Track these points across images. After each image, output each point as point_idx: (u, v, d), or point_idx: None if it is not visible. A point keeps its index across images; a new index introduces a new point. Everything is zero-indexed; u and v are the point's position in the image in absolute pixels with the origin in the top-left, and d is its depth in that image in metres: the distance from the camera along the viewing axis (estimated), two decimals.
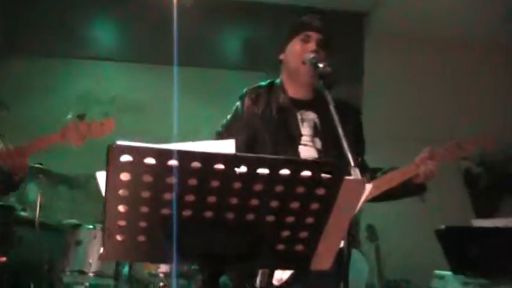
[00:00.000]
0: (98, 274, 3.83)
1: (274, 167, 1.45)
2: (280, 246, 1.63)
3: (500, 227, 3.32)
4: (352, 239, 2.83)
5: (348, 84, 6.05)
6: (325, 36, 2.63)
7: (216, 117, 6.38)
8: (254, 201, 1.50)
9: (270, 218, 1.55)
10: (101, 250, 1.55)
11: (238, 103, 2.65)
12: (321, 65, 2.32)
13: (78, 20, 6.59)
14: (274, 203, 1.52)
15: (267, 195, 1.50)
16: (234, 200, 1.49)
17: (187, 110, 6.38)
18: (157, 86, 6.46)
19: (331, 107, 2.09)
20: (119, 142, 1.35)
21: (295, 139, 2.55)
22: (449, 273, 3.71)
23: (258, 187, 1.48)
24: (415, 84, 6.48)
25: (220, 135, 2.61)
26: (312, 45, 2.57)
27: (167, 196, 1.46)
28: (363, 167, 2.63)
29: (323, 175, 1.48)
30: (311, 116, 2.62)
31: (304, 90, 2.61)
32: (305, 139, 2.58)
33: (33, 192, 4.74)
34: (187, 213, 1.50)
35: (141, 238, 1.55)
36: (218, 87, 6.50)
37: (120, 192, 1.44)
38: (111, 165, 1.39)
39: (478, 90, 6.29)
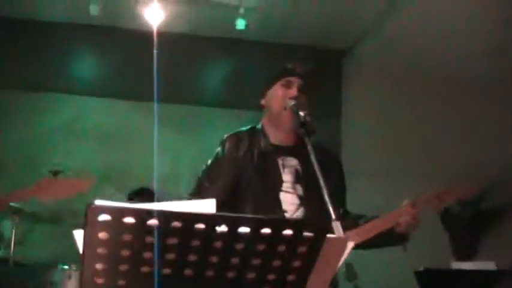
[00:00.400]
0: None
1: (255, 226, 1.44)
2: None
3: (479, 269, 3.32)
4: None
5: (326, 120, 6.11)
6: (307, 80, 2.63)
7: (194, 151, 6.41)
8: (235, 260, 1.49)
9: (251, 275, 1.53)
10: None
11: (218, 148, 2.64)
12: (302, 113, 2.33)
13: (56, 53, 6.57)
14: (255, 261, 1.50)
15: (248, 254, 1.48)
16: (214, 259, 1.47)
17: (168, 144, 6.37)
18: (139, 121, 6.43)
19: (312, 157, 2.09)
20: (97, 202, 1.32)
21: (276, 185, 2.54)
22: None
23: (239, 246, 1.46)
24: (395, 120, 6.52)
25: (200, 181, 2.59)
26: (293, 91, 2.57)
27: (147, 255, 1.44)
28: (345, 215, 2.63)
29: (305, 233, 1.47)
30: (293, 162, 2.61)
31: (286, 136, 2.60)
32: (286, 185, 2.57)
33: (7, 229, 4.66)
34: (166, 271, 1.48)
35: None
36: (198, 124, 6.51)
37: (99, 250, 1.42)
38: (89, 225, 1.37)
39: (457, 124, 6.33)
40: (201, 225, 1.40)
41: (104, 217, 1.35)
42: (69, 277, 3.87)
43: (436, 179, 5.51)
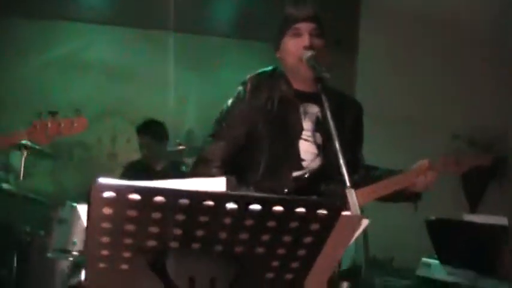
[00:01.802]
0: (82, 253, 3.75)
1: (266, 204, 1.37)
2: (269, 275, 1.57)
3: (491, 223, 3.28)
4: None
5: (341, 63, 5.96)
6: (318, 22, 2.47)
7: (204, 85, 6.31)
8: (244, 235, 1.44)
9: (260, 250, 1.49)
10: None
11: (240, 88, 2.47)
12: (318, 68, 2.21)
13: None
14: (265, 237, 1.45)
15: (258, 230, 1.42)
16: (223, 234, 1.42)
17: (175, 77, 6.26)
18: (146, 52, 6.28)
19: (329, 116, 2.01)
20: (102, 180, 1.26)
21: (295, 134, 2.44)
22: (436, 261, 3.68)
23: (248, 222, 1.40)
24: (410, 65, 6.37)
25: (219, 124, 2.46)
26: (304, 40, 2.40)
27: (152, 229, 1.39)
28: (358, 165, 2.57)
29: (318, 211, 1.41)
30: (314, 109, 2.49)
31: (307, 83, 2.45)
32: (306, 133, 2.46)
33: (17, 161, 4.64)
34: (174, 245, 1.43)
35: (125, 267, 1.48)
36: (209, 56, 6.36)
37: (103, 225, 1.37)
38: (94, 201, 1.31)
39: (472, 72, 6.19)
40: (210, 202, 1.34)
41: (108, 194, 1.29)
42: (79, 216, 3.84)
43: (453, 130, 5.46)
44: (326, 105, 2.10)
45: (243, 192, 1.32)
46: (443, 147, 5.48)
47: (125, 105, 6.18)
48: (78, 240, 3.79)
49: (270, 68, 2.56)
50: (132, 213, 1.34)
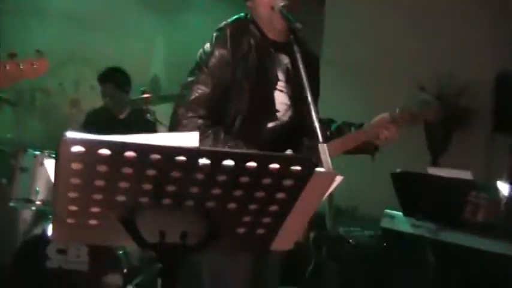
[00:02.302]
0: (46, 203, 3.70)
1: (240, 160, 1.35)
2: (241, 230, 1.55)
3: (454, 177, 3.33)
4: None
5: (309, 10, 5.88)
6: None
7: (170, 30, 6.18)
8: (216, 191, 1.41)
9: (232, 206, 1.46)
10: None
11: (218, 33, 2.35)
12: (291, 18, 2.16)
13: None
14: (237, 193, 1.43)
15: (230, 186, 1.40)
16: (194, 190, 1.39)
17: (139, 23, 6.12)
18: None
19: (301, 66, 1.98)
20: (70, 134, 1.21)
21: (272, 84, 2.39)
22: (400, 213, 3.74)
23: (221, 178, 1.38)
24: (378, 15, 6.33)
25: (199, 68, 2.35)
26: None
27: (123, 184, 1.35)
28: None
29: (292, 167, 1.39)
30: (285, 60, 2.44)
31: (278, 32, 2.39)
32: (280, 84, 2.42)
33: None
34: (144, 200, 1.40)
35: (93, 222, 1.45)
36: (173, 1, 6.21)
37: (71, 180, 1.32)
38: (62, 156, 1.26)
39: (436, 20, 6.19)
40: (182, 158, 1.31)
41: (77, 148, 1.24)
42: (41, 163, 3.77)
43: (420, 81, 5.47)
44: (298, 56, 2.06)
45: (215, 148, 1.28)
46: (409, 100, 5.52)
47: (88, 52, 6.03)
48: (40, 189, 3.73)
49: (242, 14, 2.48)
50: (102, 168, 1.30)
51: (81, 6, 6.05)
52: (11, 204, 3.87)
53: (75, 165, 1.28)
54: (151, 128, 4.38)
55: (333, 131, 2.60)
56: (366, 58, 6.10)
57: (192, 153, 1.31)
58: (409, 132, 2.68)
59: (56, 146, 1.23)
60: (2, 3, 5.92)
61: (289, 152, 2.35)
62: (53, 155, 3.84)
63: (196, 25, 5.73)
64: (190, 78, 2.35)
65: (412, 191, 3.55)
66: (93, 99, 5.75)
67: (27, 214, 3.97)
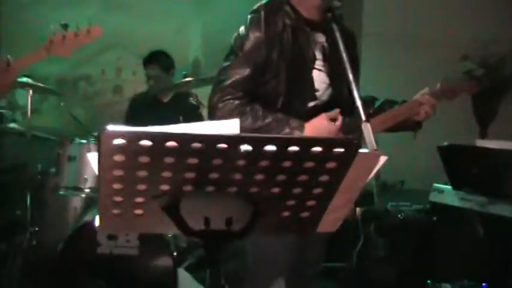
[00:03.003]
0: (94, 190, 3.75)
1: (282, 144, 1.33)
2: (285, 213, 1.55)
3: (503, 148, 3.24)
4: None
5: None
6: None
7: (205, 13, 6.16)
8: (259, 176, 1.40)
9: (275, 190, 1.46)
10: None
11: (253, 15, 2.33)
12: None
13: None
14: (280, 177, 1.42)
15: (273, 171, 1.39)
16: (237, 176, 1.39)
17: (175, 6, 6.11)
18: None
19: (341, 45, 1.96)
20: (111, 127, 1.22)
21: (310, 63, 2.36)
22: (448, 187, 3.67)
23: (263, 163, 1.37)
24: None
25: (235, 54, 2.31)
26: None
27: (165, 174, 1.36)
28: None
29: (335, 150, 1.37)
30: (321, 39, 2.41)
31: (313, 11, 2.36)
32: (318, 63, 2.39)
33: (23, 98, 4.59)
34: (187, 188, 1.41)
35: (138, 212, 1.46)
36: None
37: (114, 172, 1.33)
38: (104, 149, 1.27)
39: None
40: (223, 145, 1.30)
41: (118, 141, 1.25)
42: (88, 151, 3.81)
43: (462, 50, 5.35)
44: (338, 34, 2.02)
45: (256, 134, 1.27)
46: (452, 70, 5.40)
47: (126, 37, 6.04)
48: (89, 177, 3.79)
49: None
50: (144, 159, 1.30)
51: None
52: (61, 192, 3.94)
53: (118, 157, 1.29)
54: (195, 111, 4.39)
55: (375, 108, 2.56)
56: (407, 30, 5.98)
57: (233, 140, 1.30)
58: (456, 103, 2.63)
59: (97, 139, 1.23)
60: None
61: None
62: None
63: (229, 9, 5.70)
64: (225, 63, 2.34)
65: (460, 164, 3.47)
66: (136, 85, 5.81)
67: (76, 202, 4.02)
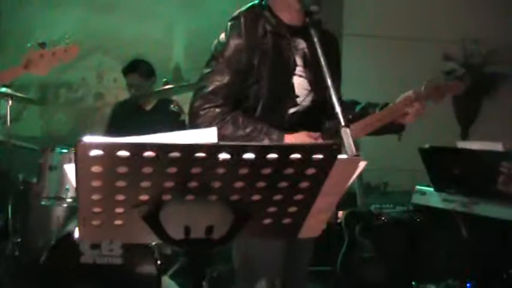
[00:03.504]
0: (76, 200, 3.72)
1: (260, 152, 1.33)
2: (267, 220, 1.54)
3: (485, 150, 3.27)
4: None
5: None
6: None
7: (189, 17, 6.15)
8: (239, 184, 1.40)
9: (256, 197, 1.45)
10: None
11: (233, 22, 2.33)
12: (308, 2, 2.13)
13: None
14: (260, 184, 1.41)
15: (252, 178, 1.39)
16: (217, 184, 1.39)
17: (159, 9, 6.09)
18: None
19: (319, 50, 1.96)
20: (87, 139, 1.21)
21: (290, 69, 2.36)
22: (430, 189, 3.70)
23: (243, 171, 1.36)
24: None
25: (215, 60, 2.34)
26: None
27: (144, 184, 1.35)
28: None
29: (314, 156, 1.37)
30: (302, 44, 2.41)
31: (293, 15, 2.37)
32: (299, 69, 2.39)
33: (3, 107, 4.55)
34: (167, 197, 1.40)
35: (118, 222, 1.45)
36: None
37: (93, 183, 1.32)
38: (81, 160, 1.26)
39: None
40: (202, 154, 1.30)
41: (95, 152, 1.24)
42: (70, 161, 3.79)
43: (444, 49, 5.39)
44: (316, 39, 2.03)
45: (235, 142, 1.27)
46: (434, 70, 5.43)
47: (108, 41, 6.01)
48: (70, 187, 3.76)
49: (257, 1, 2.46)
50: (122, 169, 1.29)
51: None
52: (43, 202, 3.91)
53: (95, 168, 1.28)
54: (176, 118, 4.39)
55: (357, 112, 2.56)
56: (389, 30, 6.00)
57: (212, 149, 1.30)
58: (437, 104, 2.64)
59: (74, 151, 1.22)
60: None
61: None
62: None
63: (215, 11, 5.69)
64: (206, 70, 2.35)
65: (442, 165, 3.50)
66: (117, 91, 5.78)
67: (59, 211, 3.99)
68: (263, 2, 2.43)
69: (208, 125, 2.20)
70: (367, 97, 2.71)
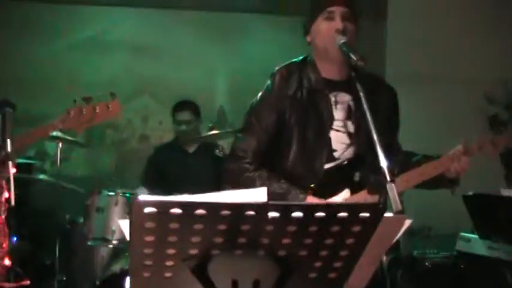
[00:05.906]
0: (121, 242, 3.80)
1: (308, 211, 1.37)
2: (313, 275, 1.57)
3: None
4: None
5: (371, 21, 5.83)
6: (351, 7, 2.42)
7: (231, 61, 6.27)
8: (286, 240, 1.44)
9: (303, 253, 1.49)
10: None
11: (268, 82, 2.46)
12: (354, 57, 2.16)
13: None
14: (307, 241, 1.45)
15: (300, 235, 1.42)
16: (265, 240, 1.43)
17: (203, 54, 6.22)
18: (170, 31, 6.23)
19: (364, 106, 1.99)
20: (142, 197, 1.27)
21: (326, 124, 2.41)
22: (475, 236, 3.66)
23: (290, 228, 1.40)
24: (440, 21, 6.20)
25: (248, 118, 2.44)
26: (337, 23, 2.36)
27: (195, 239, 1.40)
28: (396, 152, 2.51)
29: (361, 215, 1.40)
30: (345, 98, 2.45)
31: (337, 69, 2.41)
32: (337, 123, 2.43)
33: (52, 147, 4.68)
34: (216, 252, 1.44)
35: (168, 274, 1.50)
36: (235, 32, 6.28)
37: (146, 238, 1.37)
38: (135, 217, 1.32)
39: (502, 28, 6.03)
40: (251, 212, 1.34)
41: (149, 209, 1.30)
42: (116, 203, 3.89)
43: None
44: (361, 95, 2.06)
45: (284, 202, 1.31)
46: (479, 112, 5.38)
47: (153, 85, 6.15)
48: (116, 229, 3.83)
49: (299, 58, 2.53)
50: (174, 225, 1.35)
51: (143, 40, 6.18)
52: (89, 243, 3.99)
53: (149, 224, 1.34)
54: (220, 162, 4.44)
55: (411, 165, 2.50)
56: (429, 70, 5.96)
57: (261, 208, 1.34)
58: (490, 158, 2.60)
59: (130, 208, 1.28)
60: (68, 40, 6.13)
61: (346, 192, 2.38)
62: (126, 195, 3.97)
63: (256, 53, 5.80)
64: (241, 127, 2.49)
65: (486, 213, 3.47)
66: (162, 133, 5.90)
67: (104, 252, 4.07)
68: (308, 58, 2.49)
69: (236, 181, 2.37)
70: (414, 138, 2.67)
